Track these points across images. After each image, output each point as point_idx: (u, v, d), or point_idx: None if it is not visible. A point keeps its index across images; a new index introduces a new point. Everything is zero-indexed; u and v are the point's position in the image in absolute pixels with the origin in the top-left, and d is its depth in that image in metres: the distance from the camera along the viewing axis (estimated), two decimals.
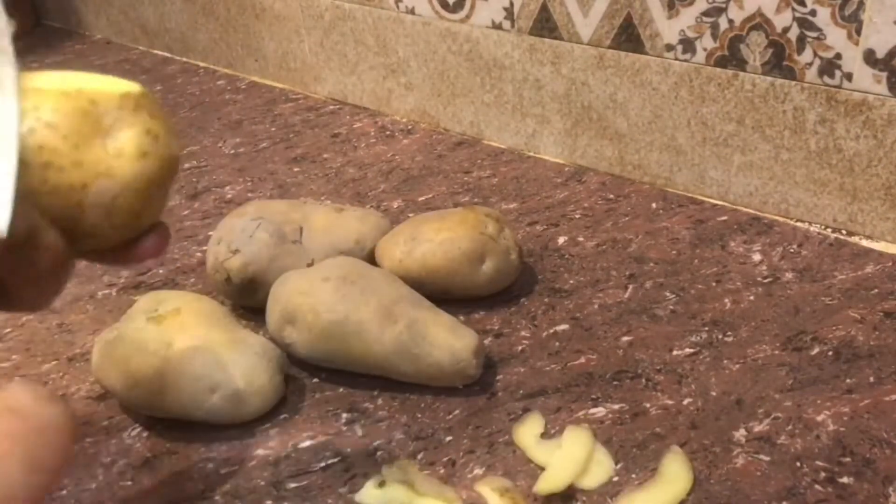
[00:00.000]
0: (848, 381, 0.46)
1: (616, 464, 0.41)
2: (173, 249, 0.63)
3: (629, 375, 0.47)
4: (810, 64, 0.56)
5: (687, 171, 0.66)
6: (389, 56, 0.82)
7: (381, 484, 0.41)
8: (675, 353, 0.49)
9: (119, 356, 0.44)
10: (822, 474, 0.40)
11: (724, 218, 0.62)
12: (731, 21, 0.59)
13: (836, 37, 0.55)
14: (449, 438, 0.44)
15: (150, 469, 0.43)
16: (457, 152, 0.76)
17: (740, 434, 0.43)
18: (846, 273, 0.55)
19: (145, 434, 0.46)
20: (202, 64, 1.05)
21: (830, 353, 0.48)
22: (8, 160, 0.25)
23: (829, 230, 0.61)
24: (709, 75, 0.61)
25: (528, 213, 0.65)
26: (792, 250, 0.58)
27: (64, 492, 0.42)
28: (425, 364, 0.45)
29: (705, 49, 0.61)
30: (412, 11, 0.78)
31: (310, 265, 0.52)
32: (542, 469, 0.41)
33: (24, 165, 0.26)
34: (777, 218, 0.63)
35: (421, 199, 0.68)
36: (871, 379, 0.46)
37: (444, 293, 0.52)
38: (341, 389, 0.48)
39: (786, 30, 0.56)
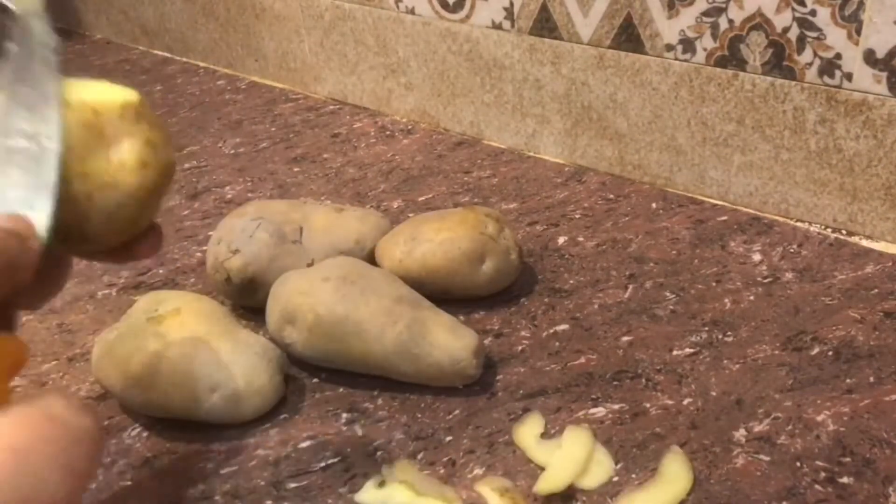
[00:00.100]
0: (848, 381, 0.46)
1: (616, 464, 0.41)
2: (173, 249, 0.63)
3: (629, 375, 0.47)
4: (810, 64, 0.56)
5: (687, 171, 0.66)
6: (389, 56, 0.82)
7: (381, 484, 0.41)
8: (675, 353, 0.49)
9: (119, 356, 0.44)
10: (822, 474, 0.40)
11: (724, 218, 0.62)
12: (731, 21, 0.59)
13: (836, 37, 0.55)
14: (449, 438, 0.44)
15: (150, 469, 0.43)
16: (457, 152, 0.76)
17: (740, 434, 0.43)
18: (846, 273, 0.55)
19: (145, 434, 0.46)
20: (202, 64, 1.05)
21: (830, 353, 0.48)
22: (51, 169, 0.27)
23: (829, 230, 0.61)
24: (709, 75, 0.61)
25: (528, 213, 0.65)
26: (792, 250, 0.58)
27: None
28: (425, 364, 0.45)
29: (705, 49, 0.61)
30: (412, 11, 0.78)
31: (310, 265, 0.52)
32: (542, 469, 0.41)
33: None
34: (777, 218, 0.62)
35: (421, 199, 0.68)
36: (871, 379, 0.46)
37: (444, 293, 0.52)
38: (341, 389, 0.48)
39: (786, 30, 0.56)
